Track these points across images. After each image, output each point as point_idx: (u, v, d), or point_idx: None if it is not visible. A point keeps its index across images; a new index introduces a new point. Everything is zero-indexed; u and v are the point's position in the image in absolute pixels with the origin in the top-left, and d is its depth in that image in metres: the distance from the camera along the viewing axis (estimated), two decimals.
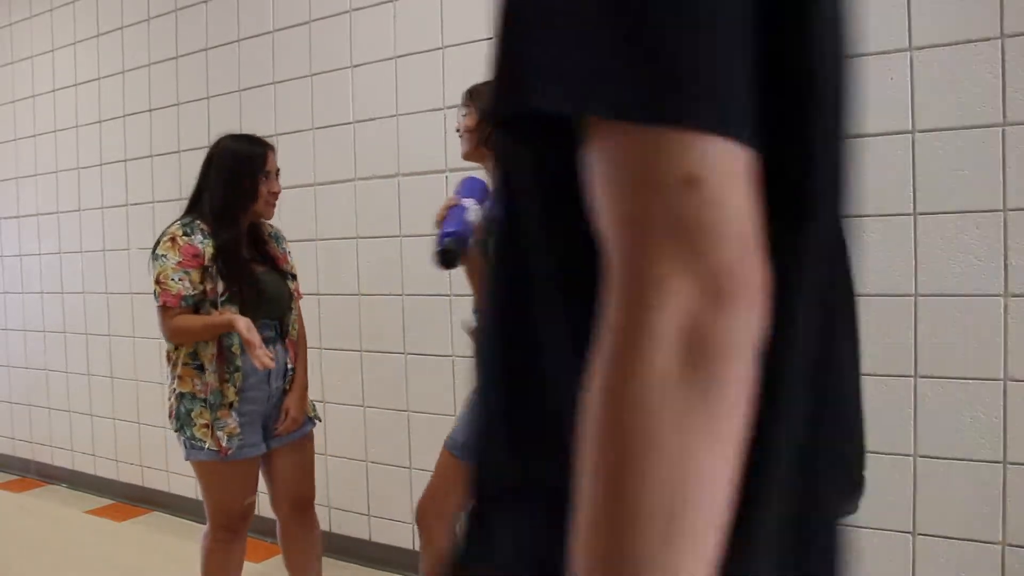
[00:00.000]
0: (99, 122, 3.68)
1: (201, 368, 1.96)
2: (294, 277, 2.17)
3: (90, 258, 3.76)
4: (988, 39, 1.80)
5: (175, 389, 2.00)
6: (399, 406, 2.75)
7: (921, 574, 1.94)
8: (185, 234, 1.94)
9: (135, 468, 3.66)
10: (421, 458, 2.71)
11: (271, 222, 2.15)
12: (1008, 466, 1.84)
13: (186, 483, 3.45)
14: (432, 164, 2.60)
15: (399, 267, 2.72)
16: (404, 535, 2.81)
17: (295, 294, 2.16)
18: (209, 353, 1.94)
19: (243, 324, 1.88)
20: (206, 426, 1.96)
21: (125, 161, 3.58)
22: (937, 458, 1.91)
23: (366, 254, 2.78)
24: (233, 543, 2.07)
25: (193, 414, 1.97)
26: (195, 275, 1.92)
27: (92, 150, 3.72)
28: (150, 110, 3.46)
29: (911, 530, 1.95)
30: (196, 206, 2.02)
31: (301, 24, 2.93)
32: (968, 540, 1.88)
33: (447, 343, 2.61)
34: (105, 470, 3.80)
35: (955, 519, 1.90)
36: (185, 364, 1.97)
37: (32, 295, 4.07)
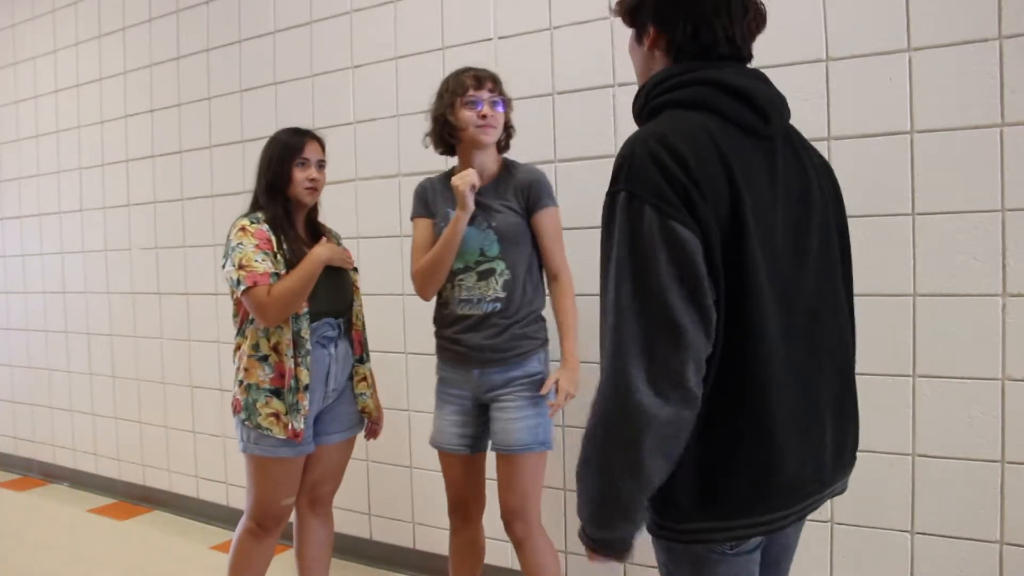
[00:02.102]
0: (101, 122, 3.70)
1: (264, 359, 2.01)
2: (355, 270, 2.24)
3: (92, 258, 3.77)
4: (986, 40, 1.80)
5: (242, 381, 2.04)
6: (400, 406, 2.76)
7: (920, 573, 1.94)
8: (252, 223, 2.01)
9: (137, 467, 3.67)
10: (421, 458, 2.72)
11: (329, 225, 2.24)
12: (1006, 465, 1.84)
13: (187, 482, 3.46)
14: (433, 164, 2.60)
15: (399, 267, 2.72)
16: (405, 534, 2.81)
17: (356, 287, 2.22)
18: (286, 340, 1.99)
19: (322, 249, 2.00)
20: (273, 415, 2.00)
21: (127, 161, 3.59)
22: (935, 457, 1.91)
23: (367, 254, 2.79)
24: (264, 540, 2.12)
25: (258, 404, 2.01)
26: (272, 258, 1.97)
27: (94, 150, 3.73)
28: (151, 110, 3.47)
29: (910, 529, 1.95)
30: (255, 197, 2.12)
31: (302, 25, 2.94)
32: (966, 539, 1.88)
33: None
34: (107, 469, 3.81)
35: (953, 518, 1.90)
36: (250, 356, 2.02)
37: (34, 295, 4.08)
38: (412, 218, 2.07)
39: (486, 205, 1.95)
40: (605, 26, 2.29)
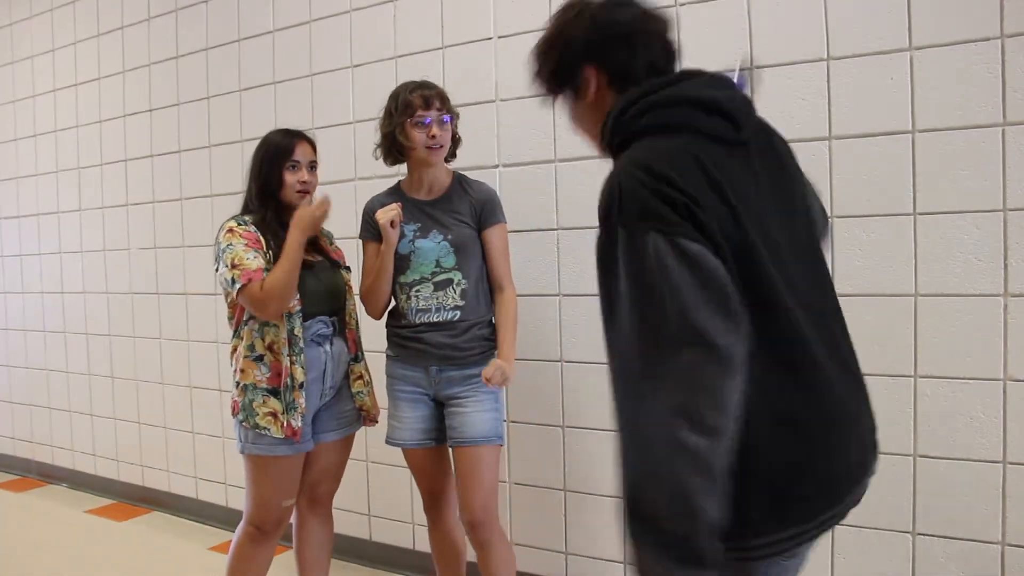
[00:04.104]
0: (99, 122, 3.69)
1: (260, 359, 2.01)
2: (348, 269, 2.24)
3: (90, 258, 3.76)
4: (988, 39, 1.80)
5: (239, 382, 2.05)
6: None
7: (921, 574, 1.94)
8: (239, 224, 2.02)
9: (135, 468, 3.67)
10: None
11: (328, 225, 2.21)
12: (1008, 466, 1.84)
13: (186, 483, 3.45)
14: None
15: None
16: (404, 535, 2.81)
17: (349, 286, 2.21)
18: (282, 338, 1.99)
19: (295, 232, 1.96)
20: (270, 414, 2.00)
21: (125, 161, 3.58)
22: (937, 458, 1.91)
23: None
24: (263, 544, 2.12)
25: (255, 404, 2.01)
26: (263, 256, 1.98)
27: (92, 150, 3.73)
28: (150, 110, 3.46)
29: (911, 530, 1.95)
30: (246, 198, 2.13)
31: (301, 24, 2.93)
32: (968, 540, 1.88)
33: None
34: (105, 470, 3.80)
35: (955, 519, 1.90)
36: (245, 357, 2.02)
37: (32, 295, 4.07)
38: (361, 238, 2.12)
39: (441, 219, 2.04)
40: None
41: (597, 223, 0.99)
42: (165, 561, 2.98)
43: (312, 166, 2.10)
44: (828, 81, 1.98)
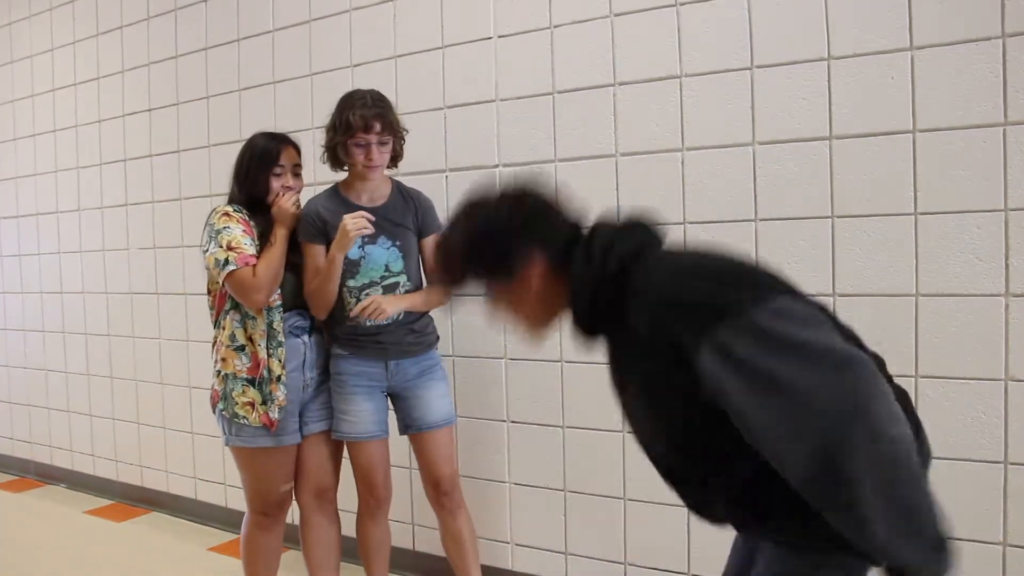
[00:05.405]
0: (98, 122, 3.68)
1: (241, 349, 2.04)
2: None
3: (89, 258, 3.76)
4: (989, 38, 1.80)
5: (219, 371, 2.07)
6: None
7: None
8: (235, 211, 2.06)
9: (134, 468, 3.66)
10: None
11: None
12: (1009, 466, 1.83)
13: (185, 483, 3.45)
14: (432, 164, 2.60)
15: None
16: (404, 535, 2.80)
17: None
18: (260, 330, 2.02)
19: (279, 227, 2.05)
20: (248, 404, 2.03)
21: (124, 161, 3.57)
22: (937, 458, 1.89)
23: None
24: (271, 529, 2.17)
25: (234, 393, 2.04)
26: (255, 244, 2.03)
27: (91, 150, 3.72)
28: (149, 110, 3.46)
29: None
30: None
31: (301, 24, 2.93)
32: (969, 540, 1.87)
33: (446, 343, 2.60)
34: (104, 470, 3.79)
35: (956, 519, 1.88)
36: (227, 346, 2.05)
37: (31, 295, 4.06)
38: (304, 241, 2.12)
39: (388, 225, 2.11)
40: (605, 25, 2.28)
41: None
42: (164, 561, 2.98)
43: (296, 171, 2.14)
44: (828, 81, 1.98)
